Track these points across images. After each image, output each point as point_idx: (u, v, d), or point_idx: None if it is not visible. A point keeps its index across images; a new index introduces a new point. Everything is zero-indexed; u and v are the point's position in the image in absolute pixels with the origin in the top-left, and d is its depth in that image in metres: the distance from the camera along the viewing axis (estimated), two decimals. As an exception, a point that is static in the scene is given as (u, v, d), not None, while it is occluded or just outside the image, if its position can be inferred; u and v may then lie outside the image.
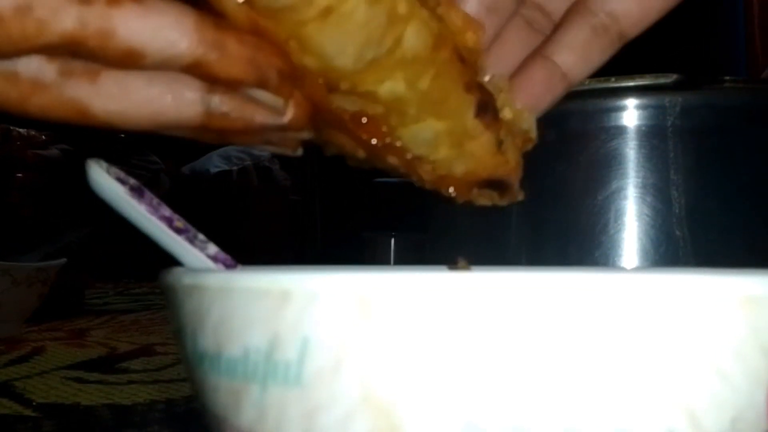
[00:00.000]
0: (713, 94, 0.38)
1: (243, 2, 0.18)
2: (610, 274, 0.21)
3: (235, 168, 1.86)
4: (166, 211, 0.19)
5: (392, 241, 0.76)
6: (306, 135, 0.21)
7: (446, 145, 0.21)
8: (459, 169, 0.22)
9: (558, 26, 0.23)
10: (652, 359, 0.14)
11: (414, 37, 0.19)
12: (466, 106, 0.20)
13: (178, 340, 0.17)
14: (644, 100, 0.38)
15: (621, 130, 0.39)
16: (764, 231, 0.39)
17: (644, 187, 0.39)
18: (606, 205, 0.39)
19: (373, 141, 0.20)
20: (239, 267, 0.20)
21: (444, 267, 0.26)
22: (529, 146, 0.22)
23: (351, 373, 0.14)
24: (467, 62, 0.20)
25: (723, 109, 0.39)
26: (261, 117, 0.20)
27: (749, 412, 0.14)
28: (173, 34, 0.18)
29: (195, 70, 0.18)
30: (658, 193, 0.38)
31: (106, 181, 0.19)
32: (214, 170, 1.84)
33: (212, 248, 0.20)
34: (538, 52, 0.23)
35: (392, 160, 0.21)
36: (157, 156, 1.73)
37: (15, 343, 0.71)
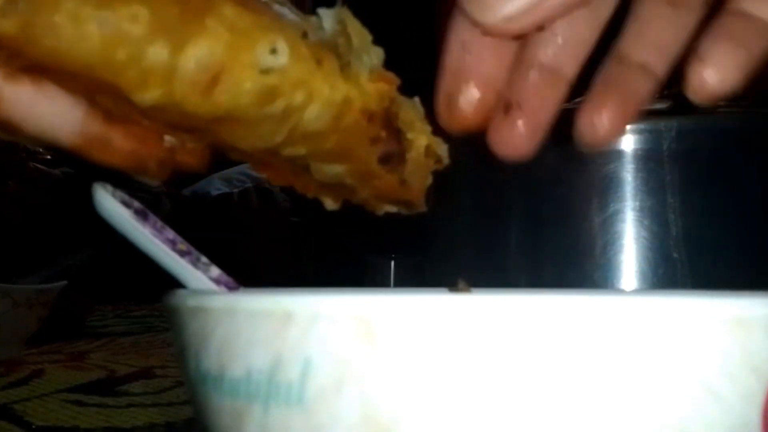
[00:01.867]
0: (708, 118, 0.39)
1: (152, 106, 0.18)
2: (605, 297, 0.21)
3: (236, 190, 1.86)
4: (170, 234, 0.20)
5: (392, 263, 0.76)
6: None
7: (353, 179, 0.22)
8: (366, 192, 0.23)
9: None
10: (646, 380, 0.14)
11: (314, 119, 0.20)
12: (370, 157, 0.22)
13: (180, 362, 0.17)
14: (641, 125, 0.39)
15: (618, 154, 0.39)
16: (761, 253, 0.39)
17: (641, 210, 0.39)
18: (604, 228, 0.39)
19: (295, 185, 0.22)
20: (241, 289, 0.20)
21: (444, 289, 0.26)
22: (440, 167, 0.24)
23: (352, 394, 0.14)
24: (375, 117, 0.21)
25: (718, 133, 0.39)
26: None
27: (743, 432, 0.14)
28: (58, 122, 0.18)
29: (75, 151, 0.19)
30: (655, 216, 0.39)
31: (111, 205, 0.19)
32: (215, 192, 1.85)
33: (215, 270, 0.20)
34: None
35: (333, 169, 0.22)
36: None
37: (14, 366, 0.71)
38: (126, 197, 0.20)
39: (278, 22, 0.19)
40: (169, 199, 1.70)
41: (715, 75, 0.20)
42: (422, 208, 0.24)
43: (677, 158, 0.39)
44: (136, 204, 0.20)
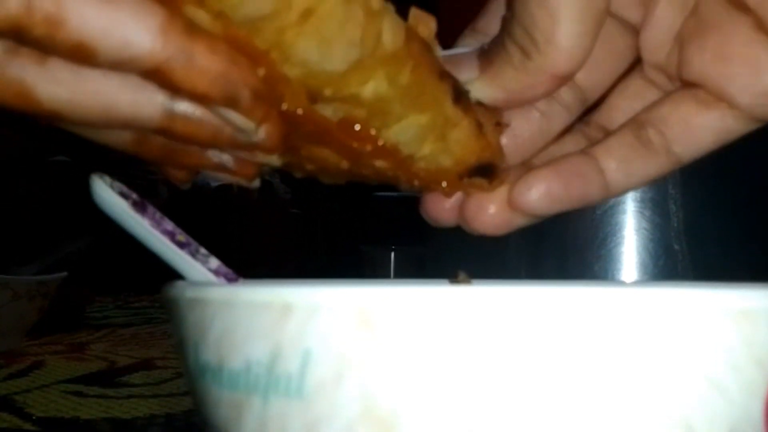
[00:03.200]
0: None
1: (217, 16, 0.16)
2: (607, 288, 0.21)
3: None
4: (169, 225, 0.20)
5: (392, 254, 0.76)
6: (275, 161, 0.20)
7: (431, 138, 0.20)
8: (447, 160, 0.21)
9: (607, 134, 0.23)
10: (648, 372, 0.14)
11: (391, 32, 0.18)
12: (444, 95, 0.20)
13: (179, 353, 0.17)
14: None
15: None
16: (762, 244, 0.39)
17: (642, 201, 0.39)
18: (605, 219, 0.39)
19: (368, 147, 0.20)
20: (241, 280, 0.20)
21: (444, 280, 0.26)
22: (502, 132, 0.22)
23: (352, 386, 0.14)
24: (433, 53, 0.20)
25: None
26: (229, 130, 0.18)
27: (746, 425, 0.14)
28: (133, 32, 0.15)
29: (156, 77, 0.16)
30: (656, 207, 0.39)
31: (109, 196, 0.19)
32: (214, 184, 1.85)
33: (214, 262, 0.20)
34: (582, 150, 0.22)
35: (380, 164, 0.20)
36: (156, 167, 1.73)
37: (15, 357, 0.71)
38: (124, 188, 0.19)
39: None
40: (166, 187, 1.70)
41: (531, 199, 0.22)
42: (505, 176, 0.22)
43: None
44: (135, 195, 0.20)
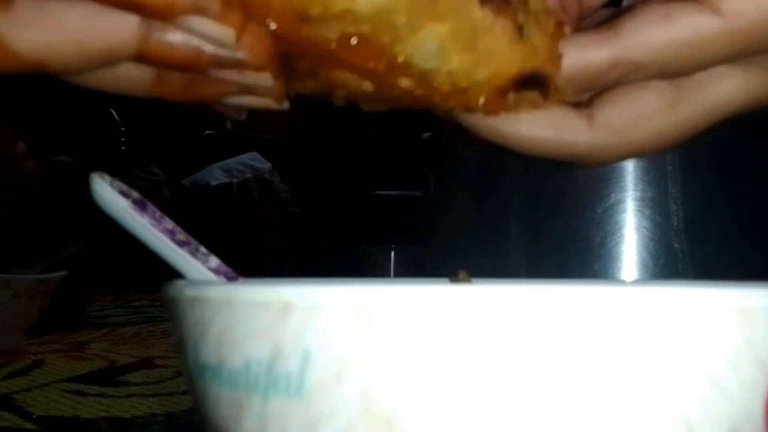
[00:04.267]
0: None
1: None
2: (608, 287, 0.21)
3: (235, 181, 1.86)
4: (169, 224, 0.20)
5: (392, 253, 0.76)
6: (267, 81, 0.18)
7: (456, 50, 0.17)
8: (481, 74, 0.18)
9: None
10: (649, 371, 0.14)
11: None
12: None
13: (179, 352, 0.17)
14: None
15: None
16: (762, 243, 0.39)
17: (643, 200, 0.39)
18: (605, 218, 0.39)
19: (381, 66, 0.17)
20: (240, 279, 0.20)
21: (445, 280, 0.26)
22: (564, 32, 0.19)
23: (352, 385, 0.14)
24: None
25: (720, 123, 0.39)
26: (210, 48, 0.17)
27: (746, 424, 0.14)
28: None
29: None
30: (656, 206, 0.39)
31: (109, 195, 0.19)
32: (214, 183, 1.85)
33: (214, 261, 0.20)
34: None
35: (405, 83, 0.18)
36: (158, 168, 1.73)
37: (15, 356, 0.71)
38: (124, 187, 0.19)
39: None
40: (168, 188, 1.70)
41: None
42: (562, 90, 0.19)
43: (678, 148, 0.38)
44: (135, 194, 0.20)
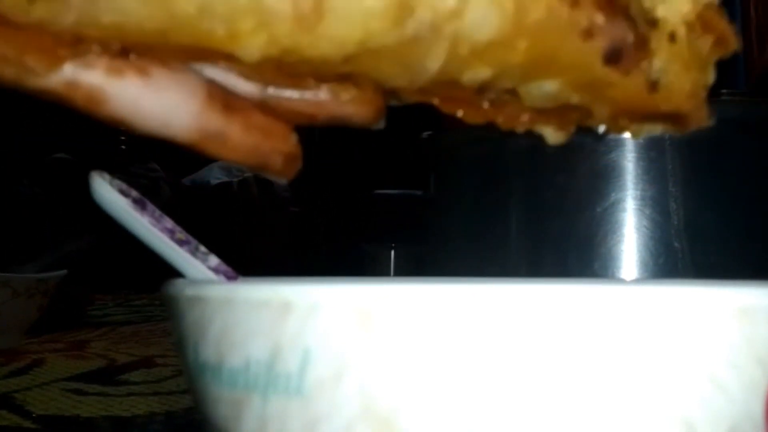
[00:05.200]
0: (711, 107, 0.39)
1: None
2: (607, 286, 0.21)
3: (235, 179, 1.86)
4: (168, 223, 0.20)
5: (392, 252, 0.76)
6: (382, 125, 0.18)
7: (577, 93, 0.16)
8: (601, 111, 0.17)
9: None
10: (648, 370, 0.14)
11: (479, 25, 0.14)
12: (590, 57, 0.15)
13: (179, 352, 0.17)
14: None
15: (619, 143, 0.39)
16: (762, 242, 0.39)
17: (643, 199, 0.39)
18: (605, 217, 0.39)
19: (499, 120, 0.17)
20: (240, 278, 0.20)
21: (444, 278, 0.26)
22: (725, 52, 0.17)
23: (352, 384, 0.14)
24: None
25: (720, 122, 0.39)
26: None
27: (746, 423, 0.14)
28: (172, 118, 0.16)
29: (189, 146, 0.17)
30: (656, 205, 0.39)
31: (109, 194, 0.19)
32: (214, 182, 1.85)
33: (213, 260, 0.20)
34: None
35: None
36: (158, 166, 1.73)
37: (15, 355, 0.71)
38: (124, 186, 0.19)
39: None
40: (168, 187, 1.70)
41: None
42: (704, 121, 0.17)
43: (679, 147, 0.38)
44: (134, 193, 0.20)
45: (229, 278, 0.20)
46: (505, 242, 0.42)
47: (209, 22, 0.14)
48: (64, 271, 0.82)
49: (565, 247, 0.40)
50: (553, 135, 0.18)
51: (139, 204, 0.19)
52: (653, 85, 0.16)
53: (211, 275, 0.20)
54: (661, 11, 0.16)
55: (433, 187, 0.50)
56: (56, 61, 0.15)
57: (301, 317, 0.14)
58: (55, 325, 0.86)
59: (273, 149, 0.17)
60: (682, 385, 0.14)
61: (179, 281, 0.18)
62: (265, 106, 0.17)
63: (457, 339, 0.14)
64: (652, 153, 0.39)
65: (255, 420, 0.15)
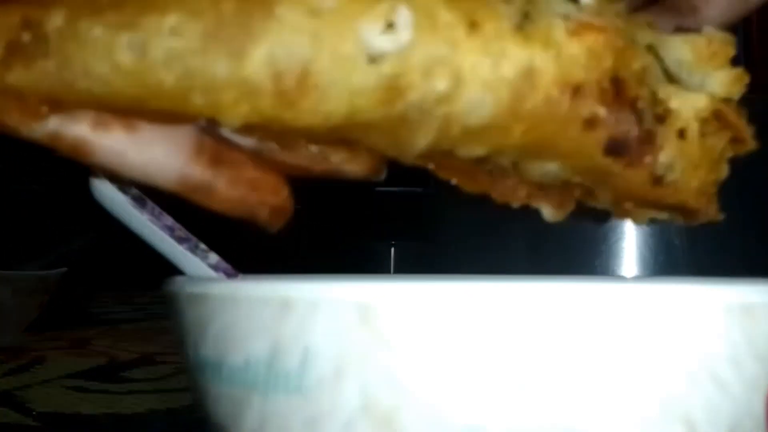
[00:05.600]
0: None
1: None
2: (608, 284, 0.21)
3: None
4: (168, 221, 0.20)
5: (392, 250, 0.76)
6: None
7: (579, 176, 0.16)
8: (604, 195, 0.16)
9: None
10: (650, 367, 0.14)
11: (472, 109, 0.14)
12: (590, 147, 0.15)
13: (179, 349, 0.17)
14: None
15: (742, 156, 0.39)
16: (762, 240, 0.39)
17: (643, 197, 0.39)
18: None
19: (494, 193, 0.17)
20: (240, 276, 0.20)
21: (445, 276, 0.26)
22: (742, 150, 0.16)
23: (352, 382, 0.14)
24: (585, 89, 0.14)
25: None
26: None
27: (747, 421, 0.14)
28: (159, 172, 0.16)
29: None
30: (657, 202, 0.38)
31: (109, 191, 0.19)
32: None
33: (213, 257, 0.20)
34: None
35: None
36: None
37: (16, 353, 0.71)
38: (124, 184, 0.19)
39: None
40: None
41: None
42: (714, 216, 0.17)
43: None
44: (134, 191, 0.20)
45: (229, 276, 0.20)
46: (505, 240, 0.42)
47: (189, 93, 0.14)
48: (64, 269, 0.82)
49: (565, 245, 0.40)
50: (550, 212, 0.17)
51: (138, 201, 0.19)
52: (658, 180, 0.15)
53: (211, 273, 0.20)
54: (675, 103, 0.15)
55: (433, 184, 0.50)
56: (38, 118, 0.15)
57: (301, 315, 0.14)
58: (56, 323, 0.87)
59: (260, 202, 0.17)
60: (683, 382, 0.14)
61: (179, 279, 0.18)
62: (260, 157, 0.16)
63: (457, 336, 0.14)
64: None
65: (255, 418, 0.15)
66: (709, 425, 0.14)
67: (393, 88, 0.14)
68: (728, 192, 0.41)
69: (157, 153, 0.16)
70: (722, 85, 0.16)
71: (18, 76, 0.14)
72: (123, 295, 1.26)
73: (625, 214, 0.17)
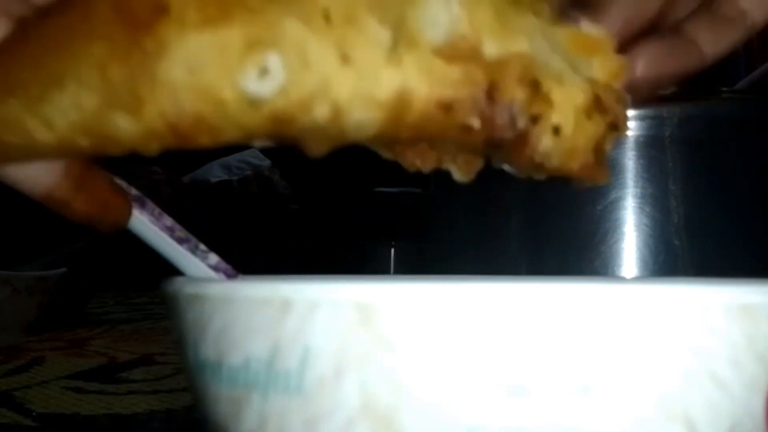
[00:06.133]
0: (711, 105, 0.39)
1: None
2: (608, 284, 0.21)
3: (235, 178, 1.86)
4: (168, 221, 0.20)
5: (392, 250, 0.76)
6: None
7: (475, 149, 0.17)
8: (500, 158, 0.17)
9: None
10: (650, 367, 0.14)
11: (357, 128, 0.15)
12: (473, 143, 0.16)
13: (179, 350, 0.17)
14: (642, 111, 0.39)
15: (619, 140, 0.39)
16: (762, 240, 0.39)
17: (643, 197, 0.39)
18: (605, 215, 0.39)
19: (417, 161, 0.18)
20: (240, 276, 0.20)
21: (444, 276, 0.26)
22: (619, 134, 0.17)
23: (351, 382, 0.14)
24: (457, 105, 0.15)
25: (720, 120, 0.39)
26: None
27: (747, 420, 0.14)
28: (27, 186, 0.19)
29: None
30: (656, 202, 0.38)
31: (108, 192, 0.19)
32: (214, 180, 1.85)
33: (213, 258, 0.20)
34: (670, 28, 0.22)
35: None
36: (158, 165, 1.73)
37: (15, 353, 0.71)
38: (124, 185, 0.19)
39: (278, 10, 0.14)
40: (169, 186, 1.70)
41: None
42: (602, 180, 0.18)
43: (679, 145, 0.38)
44: (134, 191, 0.20)
45: (229, 276, 0.20)
46: (505, 240, 0.42)
47: (105, 145, 0.16)
48: (64, 269, 0.82)
49: (565, 245, 0.40)
50: (459, 173, 0.18)
51: (138, 202, 0.19)
52: (538, 165, 0.17)
53: (211, 273, 0.20)
54: (556, 95, 0.16)
55: (432, 185, 0.50)
56: None
57: (300, 315, 0.14)
58: (55, 323, 0.86)
59: (104, 218, 0.19)
60: (683, 382, 0.14)
61: (179, 279, 0.18)
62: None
63: (457, 336, 0.14)
64: (652, 151, 0.39)
65: (255, 418, 0.15)
66: (709, 425, 0.14)
67: (279, 121, 0.15)
68: (728, 192, 0.42)
69: (32, 172, 0.18)
70: (602, 73, 0.17)
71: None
72: (122, 296, 1.26)
73: (522, 173, 0.18)
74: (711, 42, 0.23)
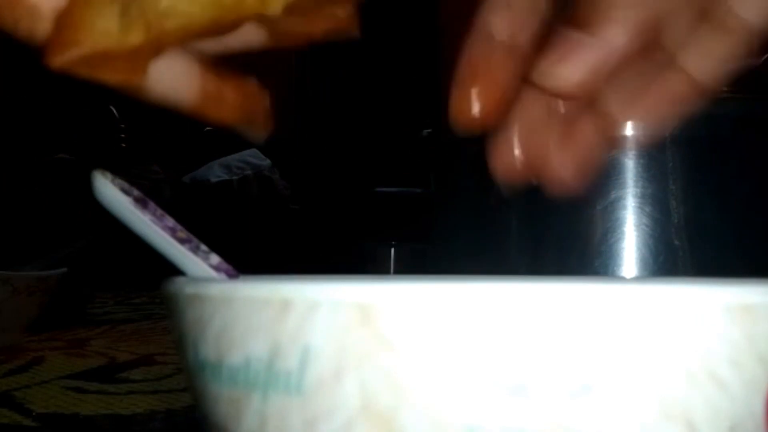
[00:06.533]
0: (711, 105, 0.39)
1: None
2: (608, 284, 0.21)
3: (235, 178, 1.86)
4: (170, 222, 0.20)
5: (392, 250, 0.76)
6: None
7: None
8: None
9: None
10: (649, 368, 0.14)
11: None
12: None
13: (179, 350, 0.17)
14: (643, 111, 0.38)
15: (620, 140, 0.39)
16: (762, 240, 0.39)
17: (643, 197, 0.39)
18: (605, 215, 0.39)
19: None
20: (240, 276, 0.20)
21: (445, 276, 0.26)
22: None
23: (352, 382, 0.14)
24: None
25: (721, 119, 0.39)
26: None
27: (747, 421, 0.14)
28: (177, 84, 0.19)
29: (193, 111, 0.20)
30: (656, 203, 0.39)
31: (111, 192, 0.19)
32: (214, 180, 1.85)
33: (214, 258, 0.20)
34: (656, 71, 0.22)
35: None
36: (158, 165, 1.73)
37: (15, 353, 0.71)
38: (125, 184, 0.19)
39: None
40: (169, 186, 1.70)
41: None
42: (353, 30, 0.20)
43: (679, 145, 0.38)
44: (136, 191, 0.20)
45: (230, 276, 0.20)
46: (505, 240, 0.42)
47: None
48: (64, 269, 0.82)
49: (565, 245, 0.40)
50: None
51: (140, 202, 0.19)
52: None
53: (212, 273, 0.20)
54: None
55: (433, 185, 0.50)
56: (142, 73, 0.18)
57: (301, 315, 0.14)
58: (55, 323, 0.86)
59: (257, 105, 0.20)
60: (683, 383, 0.14)
61: (179, 279, 0.18)
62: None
63: (457, 337, 0.14)
64: (652, 151, 0.38)
65: (255, 418, 0.15)
66: (709, 425, 0.14)
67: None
68: (728, 192, 0.41)
69: (180, 68, 0.19)
70: None
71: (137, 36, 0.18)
72: (122, 296, 1.26)
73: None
74: (706, 71, 0.22)
